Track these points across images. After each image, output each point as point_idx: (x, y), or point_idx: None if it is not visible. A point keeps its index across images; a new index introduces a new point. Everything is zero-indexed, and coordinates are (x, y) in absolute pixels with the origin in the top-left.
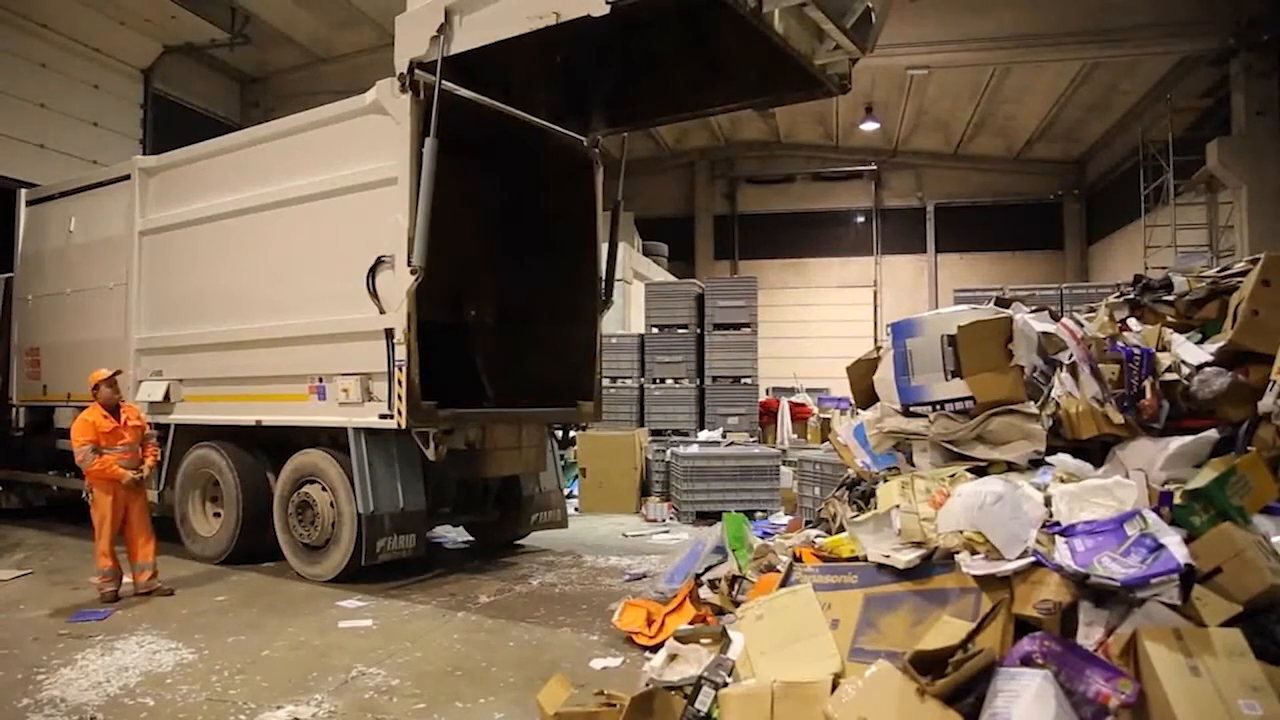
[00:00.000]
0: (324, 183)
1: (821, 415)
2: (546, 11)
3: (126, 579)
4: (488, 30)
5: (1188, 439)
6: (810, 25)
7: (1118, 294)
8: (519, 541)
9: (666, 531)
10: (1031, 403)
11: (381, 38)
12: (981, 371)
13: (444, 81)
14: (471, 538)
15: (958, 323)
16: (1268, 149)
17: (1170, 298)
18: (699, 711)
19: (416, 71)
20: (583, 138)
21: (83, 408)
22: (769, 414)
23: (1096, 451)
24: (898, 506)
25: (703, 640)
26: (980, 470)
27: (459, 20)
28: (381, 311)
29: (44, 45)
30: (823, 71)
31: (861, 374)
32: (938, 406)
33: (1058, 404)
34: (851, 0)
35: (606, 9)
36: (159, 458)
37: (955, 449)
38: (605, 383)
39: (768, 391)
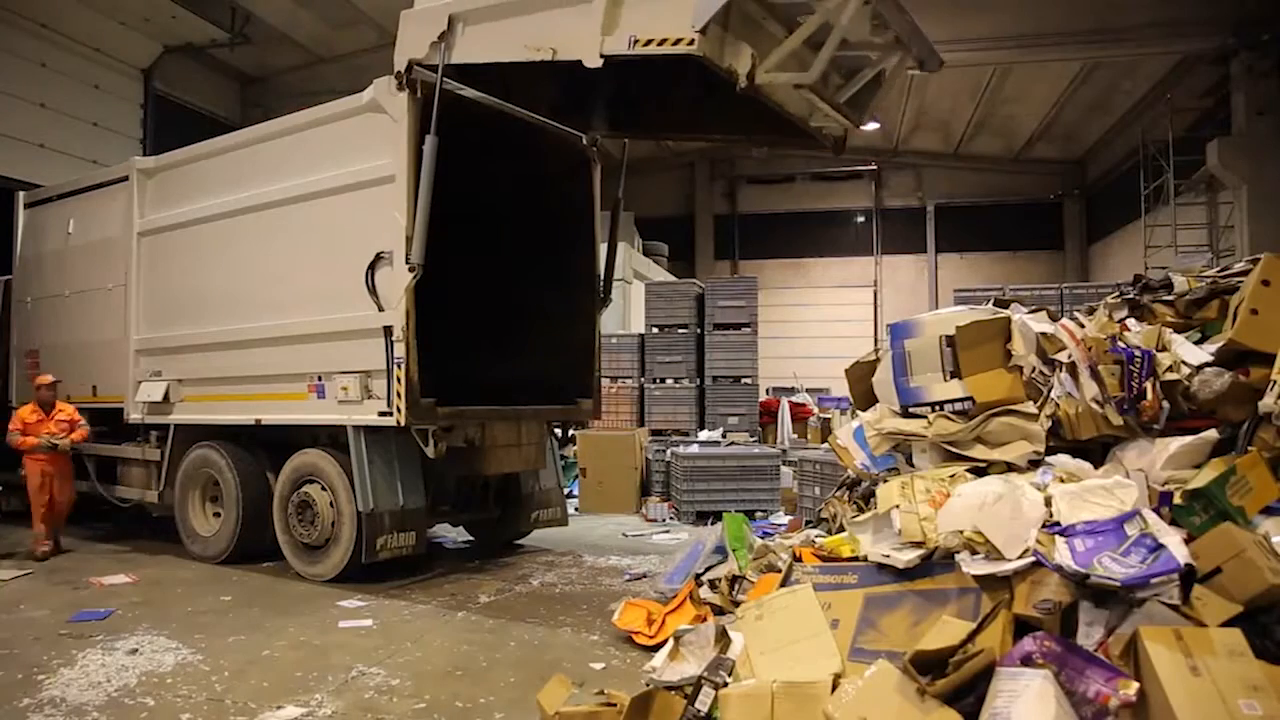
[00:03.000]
0: (322, 181)
1: (822, 415)
2: (544, 46)
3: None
4: (487, 49)
5: (1188, 439)
6: (806, 96)
7: (1117, 294)
8: (519, 541)
9: (666, 531)
10: (1031, 403)
11: (382, 38)
12: (980, 372)
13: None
14: (471, 538)
15: (956, 323)
16: (1268, 149)
17: (1170, 298)
18: (699, 711)
19: (415, 70)
20: (581, 135)
21: (83, 410)
22: (769, 414)
23: (1096, 451)
24: (897, 506)
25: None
26: (980, 470)
27: (462, 29)
28: (380, 309)
29: (44, 45)
30: (819, 132)
31: (860, 376)
32: (937, 407)
33: (1057, 404)
34: (844, 83)
35: (600, 62)
36: (85, 435)
37: (954, 450)
38: (605, 383)
39: (768, 391)
